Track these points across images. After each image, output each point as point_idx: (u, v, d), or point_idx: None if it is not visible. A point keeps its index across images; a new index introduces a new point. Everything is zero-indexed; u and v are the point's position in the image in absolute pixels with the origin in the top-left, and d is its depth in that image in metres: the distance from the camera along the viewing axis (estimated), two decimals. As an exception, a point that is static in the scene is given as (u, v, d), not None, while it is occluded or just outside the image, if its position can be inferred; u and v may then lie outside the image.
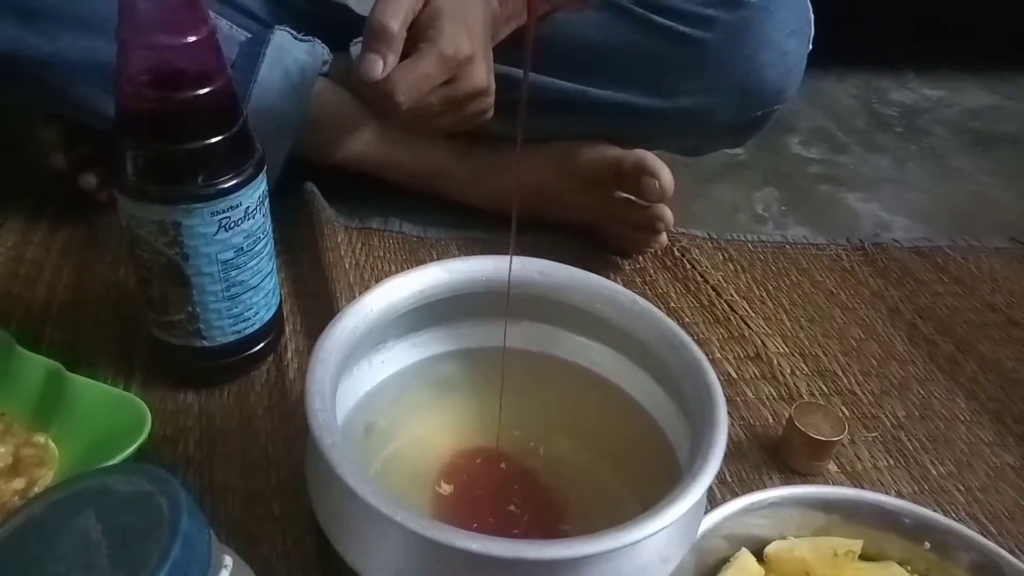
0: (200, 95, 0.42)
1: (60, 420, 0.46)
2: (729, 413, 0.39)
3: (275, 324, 0.53)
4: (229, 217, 0.45)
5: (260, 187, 0.47)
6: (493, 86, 0.59)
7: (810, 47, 0.68)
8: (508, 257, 0.48)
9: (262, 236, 0.48)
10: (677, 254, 0.72)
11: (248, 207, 0.46)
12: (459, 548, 0.31)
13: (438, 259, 0.47)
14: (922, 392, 0.60)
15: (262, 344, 0.52)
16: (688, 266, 0.71)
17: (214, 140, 0.43)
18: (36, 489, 0.43)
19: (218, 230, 0.45)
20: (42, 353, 0.48)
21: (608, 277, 0.48)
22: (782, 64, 0.66)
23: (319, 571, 0.42)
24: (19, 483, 0.43)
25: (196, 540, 0.27)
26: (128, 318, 0.56)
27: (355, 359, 0.44)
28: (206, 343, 0.49)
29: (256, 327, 0.51)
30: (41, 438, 0.46)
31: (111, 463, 0.41)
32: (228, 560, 0.28)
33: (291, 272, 0.63)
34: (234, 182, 0.45)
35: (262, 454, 0.48)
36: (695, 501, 0.35)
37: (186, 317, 0.48)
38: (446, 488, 0.42)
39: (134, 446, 0.43)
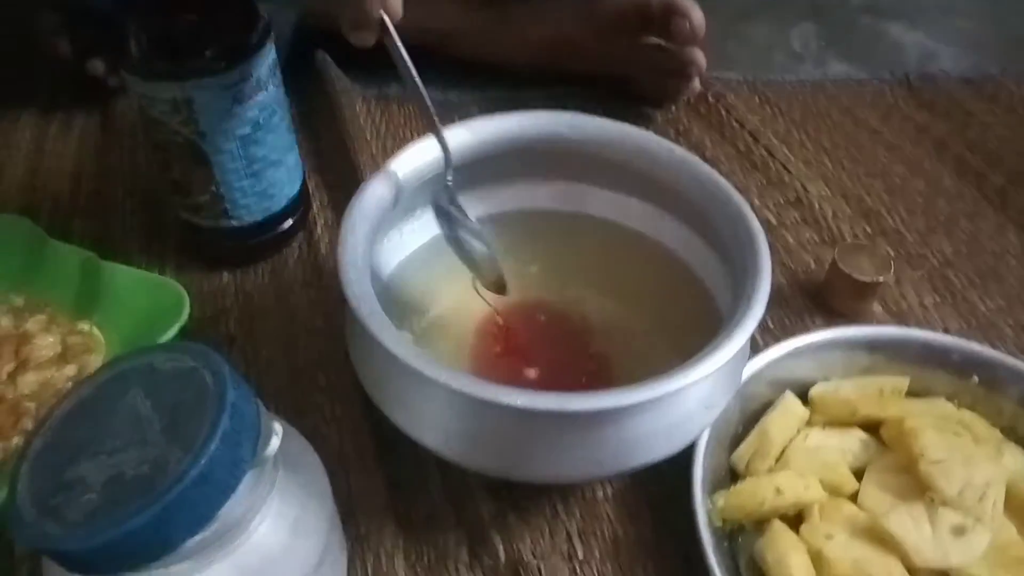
0: (195, -42, 0.40)
1: (100, 308, 0.47)
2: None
3: (301, 200, 0.52)
4: (241, 89, 0.43)
5: (270, 56, 0.45)
6: None
7: None
8: (535, 112, 0.46)
9: (277, 108, 0.47)
10: (711, 100, 0.69)
11: (259, 78, 0.44)
12: (503, 404, 0.31)
13: (484, 116, 0.45)
14: (971, 227, 0.58)
15: (290, 220, 0.51)
16: (723, 112, 0.68)
17: (216, 9, 0.41)
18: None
19: (232, 104, 0.43)
20: (74, 244, 0.48)
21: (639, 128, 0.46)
22: None
23: (368, 434, 0.43)
24: (71, 370, 0.45)
25: (244, 410, 0.27)
26: (155, 203, 0.55)
27: (385, 229, 0.43)
28: (234, 223, 0.49)
29: (282, 204, 0.50)
30: (85, 326, 0.47)
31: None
32: (278, 427, 0.28)
33: (312, 147, 0.61)
34: (243, 52, 0.43)
35: (302, 328, 0.48)
36: (739, 348, 0.34)
37: (211, 198, 0.47)
38: (486, 346, 0.42)
39: (175, 328, 0.43)
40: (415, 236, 0.46)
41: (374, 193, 0.40)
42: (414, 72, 0.38)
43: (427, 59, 0.67)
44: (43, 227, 0.49)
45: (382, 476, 0.41)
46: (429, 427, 0.35)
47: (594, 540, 0.39)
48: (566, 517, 0.40)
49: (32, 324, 0.46)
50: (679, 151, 0.44)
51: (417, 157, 0.43)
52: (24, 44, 0.68)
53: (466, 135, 0.44)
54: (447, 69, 0.69)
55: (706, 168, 0.43)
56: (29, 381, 0.43)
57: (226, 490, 0.26)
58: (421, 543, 0.39)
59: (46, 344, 0.45)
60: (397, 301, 0.43)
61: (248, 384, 0.28)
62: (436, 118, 0.40)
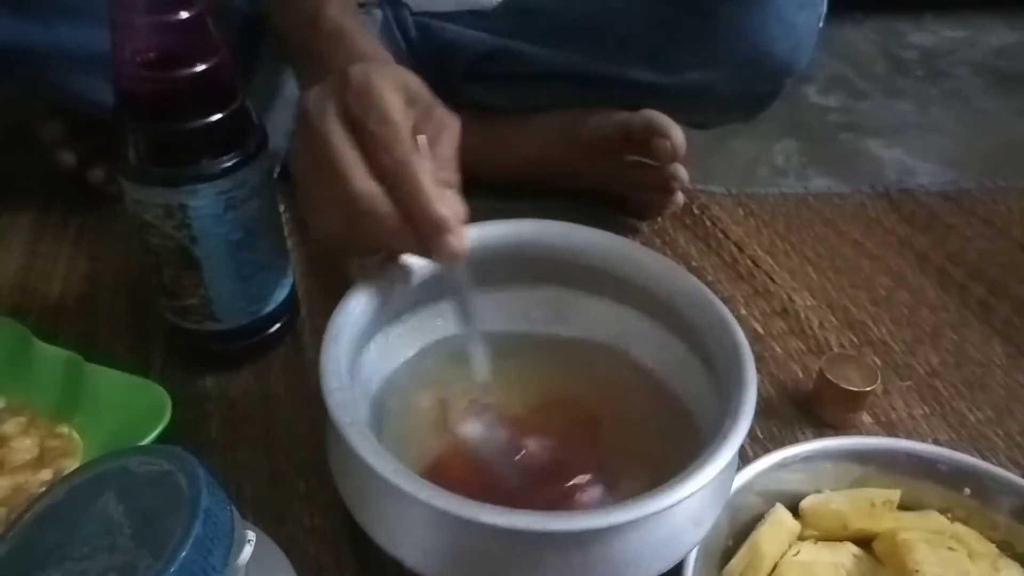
0: (196, 73, 0.41)
1: (82, 411, 0.46)
2: (758, 369, 0.37)
3: (290, 304, 0.52)
4: (235, 196, 0.44)
5: (264, 163, 0.46)
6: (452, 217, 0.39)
7: (821, 24, 0.65)
8: (523, 221, 0.47)
9: (270, 214, 0.48)
10: (696, 212, 0.71)
11: (253, 185, 0.45)
12: (483, 523, 0.30)
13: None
14: (956, 338, 0.59)
15: (278, 325, 0.52)
16: (708, 223, 0.70)
17: (214, 118, 0.43)
18: (62, 479, 0.43)
19: (225, 210, 0.44)
20: (60, 345, 0.48)
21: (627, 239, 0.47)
22: (791, 38, 0.63)
23: (347, 546, 0.42)
24: (46, 474, 0.44)
25: (218, 516, 0.26)
26: (144, 306, 0.55)
27: (371, 334, 0.43)
28: (221, 326, 0.49)
29: (271, 307, 0.50)
30: (64, 429, 0.46)
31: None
32: (251, 535, 0.27)
33: (304, 253, 0.62)
34: (237, 160, 0.44)
35: (285, 435, 0.48)
36: (726, 463, 0.34)
37: (199, 301, 0.47)
38: (471, 458, 0.42)
39: (156, 432, 0.43)
40: (401, 340, 0.46)
41: (360, 301, 0.40)
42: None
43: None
44: (31, 327, 0.49)
45: (360, 590, 0.40)
46: (408, 544, 0.34)
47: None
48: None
49: (10, 426, 0.45)
50: (665, 260, 0.45)
51: (404, 265, 0.43)
52: (24, 149, 0.70)
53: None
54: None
55: (690, 278, 0.43)
56: (2, 486, 0.42)
57: (194, 600, 0.25)
58: (398, 663, 0.37)
59: (23, 447, 0.45)
60: (381, 408, 0.42)
61: (223, 490, 0.27)
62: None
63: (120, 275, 0.60)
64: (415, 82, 0.40)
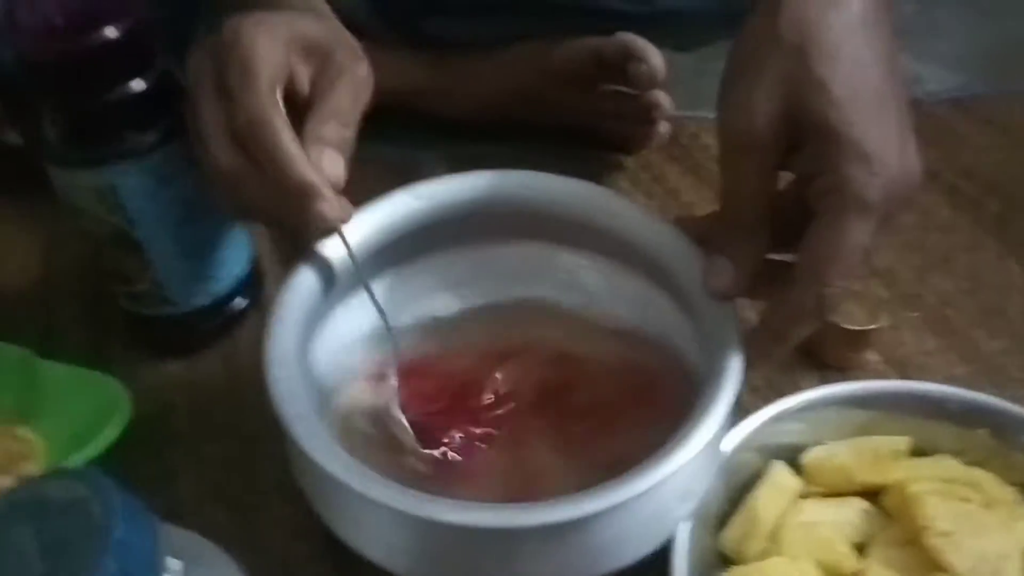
0: (105, 36, 0.37)
1: (40, 411, 0.44)
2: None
3: (251, 279, 0.49)
4: (168, 172, 0.41)
5: (201, 133, 0.42)
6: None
7: None
8: (485, 173, 0.43)
9: (214, 187, 0.44)
10: (685, 142, 0.66)
11: (188, 157, 0.41)
12: (443, 522, 0.28)
13: (430, 181, 0.42)
14: (969, 261, 0.54)
15: (240, 302, 0.49)
16: (699, 153, 0.65)
17: (135, 87, 0.39)
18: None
19: (159, 187, 0.41)
20: (15, 340, 0.46)
21: (611, 176, 0.44)
22: None
23: (320, 537, 0.39)
24: (5, 481, 0.42)
25: (136, 547, 0.24)
26: (100, 293, 0.52)
27: (327, 308, 0.39)
28: (177, 309, 0.46)
29: (229, 285, 0.47)
30: (23, 431, 0.44)
31: (85, 453, 0.39)
32: (176, 564, 0.25)
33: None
34: (166, 131, 0.40)
35: (255, 420, 0.44)
36: (712, 435, 0.31)
37: (150, 285, 0.44)
38: (442, 432, 0.39)
39: (117, 429, 0.40)
40: (363, 311, 0.43)
41: (308, 276, 0.37)
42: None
43: (392, 118, 0.66)
44: (-18, 322, 0.46)
45: (333, 584, 0.38)
46: (371, 541, 0.32)
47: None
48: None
49: (-33, 432, 0.44)
50: (641, 209, 0.41)
51: (357, 229, 0.40)
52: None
53: (412, 201, 0.42)
54: (414, 125, 0.67)
55: (669, 225, 0.40)
56: (-40, 495, 0.40)
57: (109, 646, 0.23)
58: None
59: (-18, 454, 0.43)
60: (340, 387, 0.40)
61: (147, 513, 0.25)
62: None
63: (78, 260, 0.57)
64: (315, 31, 0.36)
